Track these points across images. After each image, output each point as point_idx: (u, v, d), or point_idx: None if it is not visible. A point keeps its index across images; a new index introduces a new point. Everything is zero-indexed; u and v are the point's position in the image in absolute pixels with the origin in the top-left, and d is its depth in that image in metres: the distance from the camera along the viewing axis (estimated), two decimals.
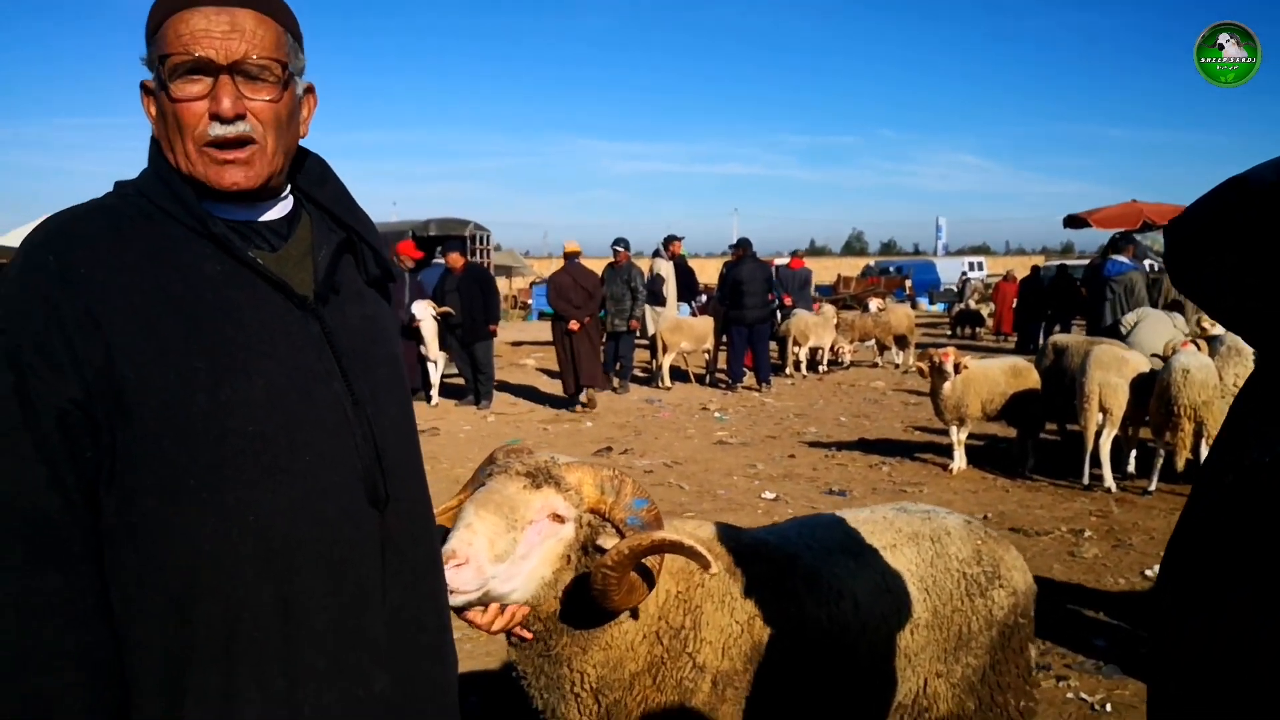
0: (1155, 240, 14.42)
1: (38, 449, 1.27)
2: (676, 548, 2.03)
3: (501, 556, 1.96)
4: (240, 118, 1.38)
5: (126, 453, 1.32)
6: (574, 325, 12.25)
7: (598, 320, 12.97)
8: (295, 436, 1.38)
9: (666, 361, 14.63)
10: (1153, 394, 7.43)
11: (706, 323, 14.99)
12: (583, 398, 12.53)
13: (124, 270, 1.34)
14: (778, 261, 17.43)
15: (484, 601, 1.99)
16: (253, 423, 1.35)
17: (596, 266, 13.76)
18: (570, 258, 12.91)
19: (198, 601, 1.33)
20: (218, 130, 1.37)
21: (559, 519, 2.07)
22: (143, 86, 1.43)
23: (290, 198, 1.55)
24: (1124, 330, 9.72)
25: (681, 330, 14.73)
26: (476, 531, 1.95)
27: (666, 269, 15.32)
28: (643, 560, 2.05)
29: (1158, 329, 9.27)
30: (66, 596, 1.28)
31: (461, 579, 1.89)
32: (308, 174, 1.58)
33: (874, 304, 19.11)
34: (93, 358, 1.29)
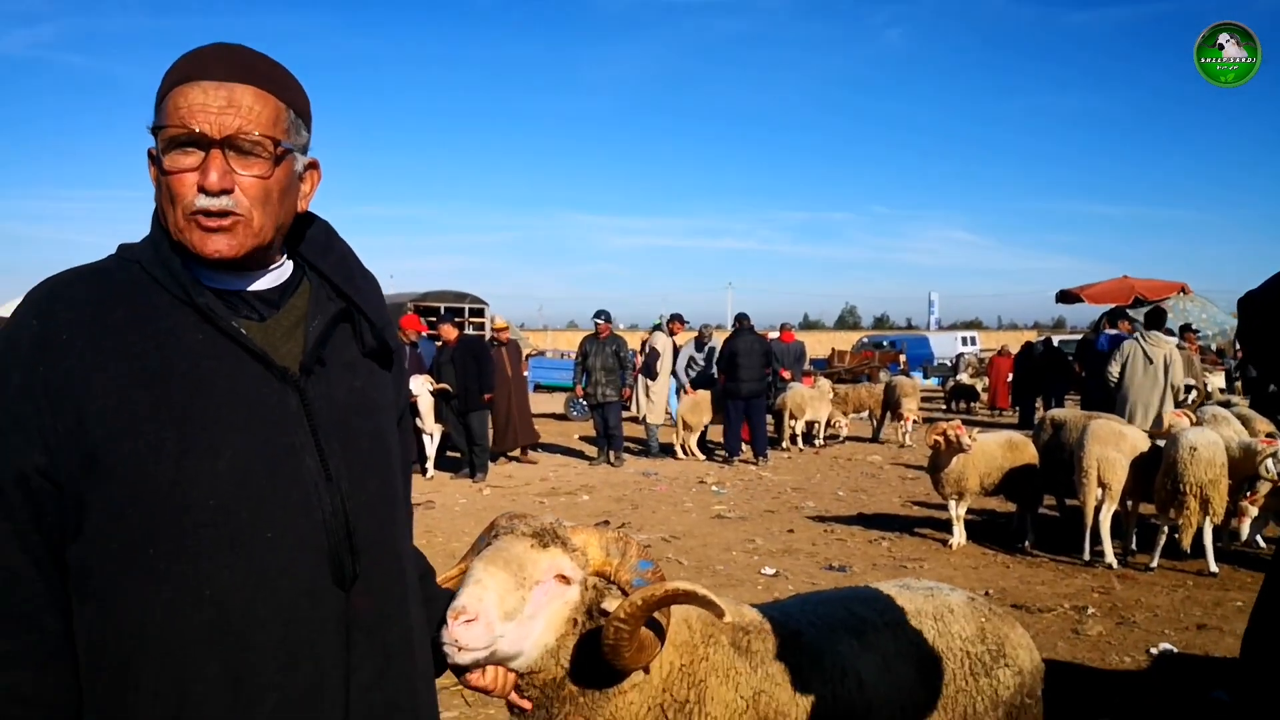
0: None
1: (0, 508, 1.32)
2: (690, 597, 2.00)
3: (510, 614, 1.93)
4: (227, 192, 1.39)
5: (95, 517, 1.33)
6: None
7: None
8: (257, 512, 1.37)
9: (692, 440, 14.96)
10: (1159, 470, 7.40)
11: (708, 396, 15.10)
12: (514, 453, 14.26)
13: (105, 335, 1.36)
14: (770, 335, 17.48)
15: (490, 661, 1.95)
16: (214, 496, 1.35)
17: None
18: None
19: (145, 671, 1.32)
20: (203, 202, 1.38)
21: (565, 580, 2.04)
22: (149, 154, 1.45)
23: (289, 265, 1.55)
24: (1111, 378, 9.86)
25: (699, 408, 14.93)
26: (487, 588, 1.91)
27: (664, 344, 15.38)
28: (654, 615, 2.02)
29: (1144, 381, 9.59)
30: (28, 647, 1.32)
31: (471, 635, 1.84)
32: (311, 242, 1.58)
33: (905, 391, 17.56)
34: (63, 425, 1.32)
